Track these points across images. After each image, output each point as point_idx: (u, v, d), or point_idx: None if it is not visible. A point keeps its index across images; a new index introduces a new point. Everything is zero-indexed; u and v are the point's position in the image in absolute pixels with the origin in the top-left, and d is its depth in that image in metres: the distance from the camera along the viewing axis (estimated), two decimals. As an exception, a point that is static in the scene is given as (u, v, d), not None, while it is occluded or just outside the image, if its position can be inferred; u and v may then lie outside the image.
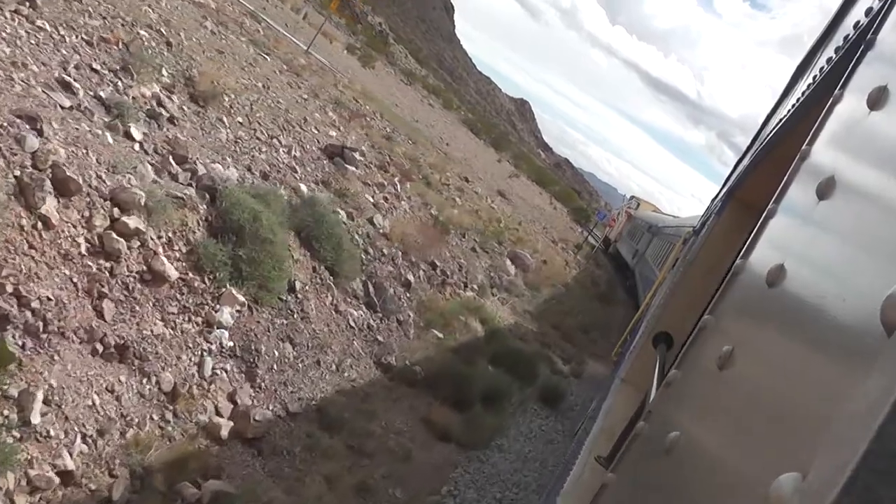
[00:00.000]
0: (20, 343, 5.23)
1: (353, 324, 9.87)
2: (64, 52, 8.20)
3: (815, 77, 2.66)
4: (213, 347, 6.93)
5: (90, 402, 5.39)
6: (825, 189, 1.10)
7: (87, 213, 6.14)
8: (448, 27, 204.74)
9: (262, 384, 7.29)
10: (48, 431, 5.08)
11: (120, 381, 5.81)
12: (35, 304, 5.38)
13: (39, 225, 5.73)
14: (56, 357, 5.42)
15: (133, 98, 8.73)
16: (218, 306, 7.22)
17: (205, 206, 7.84)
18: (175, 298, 6.79)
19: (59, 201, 5.99)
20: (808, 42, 3.83)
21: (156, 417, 6.00)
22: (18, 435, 4.90)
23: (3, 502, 4.60)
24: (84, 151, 6.65)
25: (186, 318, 6.82)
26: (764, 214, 1.55)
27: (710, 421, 1.18)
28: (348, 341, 9.54)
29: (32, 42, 7.84)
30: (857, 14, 2.13)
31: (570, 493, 3.58)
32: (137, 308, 6.28)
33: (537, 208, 41.03)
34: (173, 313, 6.68)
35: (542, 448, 11.02)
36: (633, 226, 34.79)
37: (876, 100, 1.08)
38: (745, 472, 0.83)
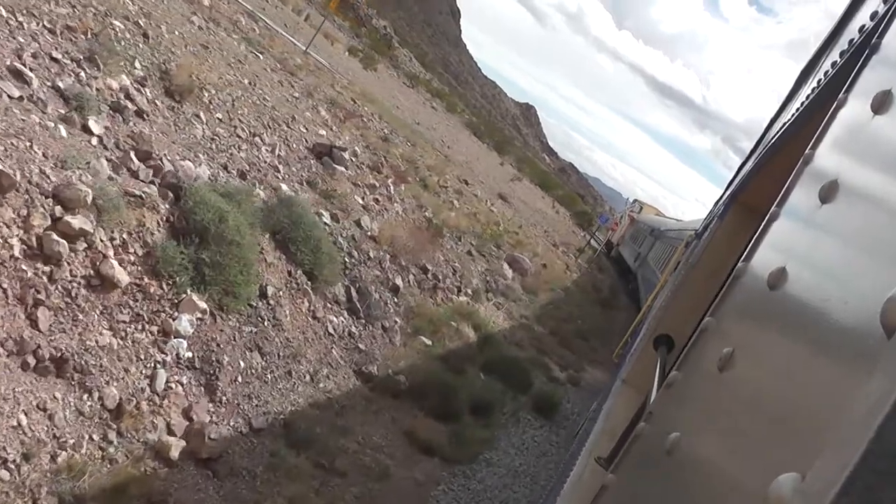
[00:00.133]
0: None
1: (332, 331, 9.29)
2: (21, 39, 7.68)
3: (819, 81, 2.68)
4: (169, 359, 6.36)
5: (15, 423, 4.83)
6: (828, 192, 1.10)
7: (23, 212, 5.58)
8: (454, 31, 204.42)
9: (224, 398, 6.70)
10: (-38, 456, 4.53)
11: (55, 397, 5.24)
12: (-45, 312, 4.83)
13: (-36, 224, 5.18)
14: (-23, 372, 4.87)
15: (97, 90, 8.20)
16: (176, 314, 6.65)
17: (167, 206, 7.28)
18: (127, 305, 6.23)
19: (-11, 198, 5.44)
20: (814, 46, 3.85)
21: (96, 438, 5.41)
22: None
23: None
24: (27, 144, 6.11)
25: (139, 327, 6.25)
26: (766, 217, 1.56)
27: (710, 422, 1.20)
28: (326, 349, 8.97)
29: (-17, 28, 7.33)
30: (862, 18, 2.12)
31: (570, 494, 3.58)
32: (81, 316, 5.72)
33: (539, 212, 40.42)
34: (124, 322, 6.12)
35: (533, 461, 10.43)
36: (635, 229, 34.81)
37: (880, 104, 1.07)
38: (745, 473, 0.83)
